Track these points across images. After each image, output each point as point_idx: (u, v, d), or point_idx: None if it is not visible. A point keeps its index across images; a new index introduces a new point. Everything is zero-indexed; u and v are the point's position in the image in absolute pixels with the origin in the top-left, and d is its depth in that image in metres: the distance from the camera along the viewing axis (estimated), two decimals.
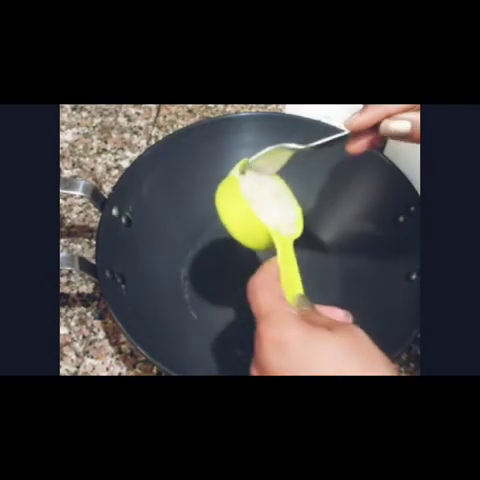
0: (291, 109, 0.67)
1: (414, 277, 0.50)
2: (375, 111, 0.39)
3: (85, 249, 0.59)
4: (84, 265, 0.48)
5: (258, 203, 0.41)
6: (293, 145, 0.41)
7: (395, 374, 0.30)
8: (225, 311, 0.54)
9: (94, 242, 0.53)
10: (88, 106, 0.70)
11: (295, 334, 0.31)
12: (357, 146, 0.41)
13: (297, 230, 0.42)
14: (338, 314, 0.35)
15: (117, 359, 0.52)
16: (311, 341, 0.31)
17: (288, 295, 0.35)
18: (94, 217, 0.61)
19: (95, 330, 0.54)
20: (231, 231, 0.40)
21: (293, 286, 0.36)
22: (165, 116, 0.69)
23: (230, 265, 0.57)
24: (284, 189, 0.44)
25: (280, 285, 0.35)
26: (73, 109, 0.69)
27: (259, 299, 0.34)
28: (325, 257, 0.56)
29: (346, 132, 0.40)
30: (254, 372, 0.33)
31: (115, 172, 0.64)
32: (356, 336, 0.31)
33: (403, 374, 0.51)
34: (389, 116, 0.39)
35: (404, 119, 0.38)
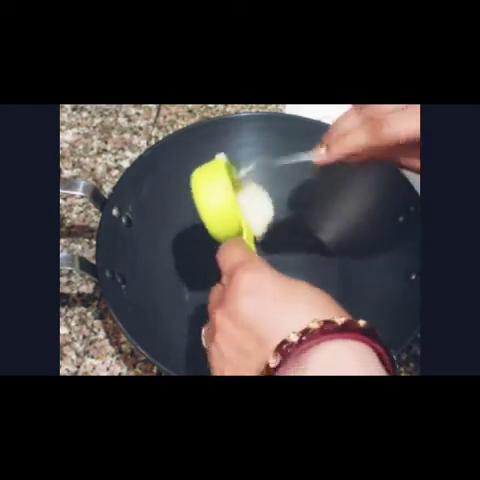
0: (291, 109, 0.67)
1: (414, 277, 0.50)
2: (340, 153, 0.40)
3: (85, 249, 0.59)
4: (84, 265, 0.48)
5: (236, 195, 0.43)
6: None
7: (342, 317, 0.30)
8: None
9: (94, 242, 0.53)
10: (88, 106, 0.70)
11: (271, 277, 0.33)
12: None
13: (260, 232, 0.45)
14: None
15: (117, 359, 0.52)
16: (285, 281, 0.33)
17: None
18: (94, 217, 0.61)
19: (95, 330, 0.54)
20: (202, 211, 0.42)
21: None
22: (165, 116, 0.69)
23: None
24: (259, 193, 0.46)
25: (249, 248, 0.38)
26: (73, 109, 0.69)
27: (232, 251, 0.37)
28: (325, 257, 0.56)
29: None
30: (218, 316, 0.34)
31: (115, 172, 0.64)
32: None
33: (403, 374, 0.51)
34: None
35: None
